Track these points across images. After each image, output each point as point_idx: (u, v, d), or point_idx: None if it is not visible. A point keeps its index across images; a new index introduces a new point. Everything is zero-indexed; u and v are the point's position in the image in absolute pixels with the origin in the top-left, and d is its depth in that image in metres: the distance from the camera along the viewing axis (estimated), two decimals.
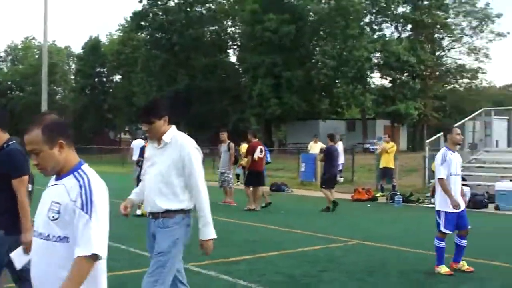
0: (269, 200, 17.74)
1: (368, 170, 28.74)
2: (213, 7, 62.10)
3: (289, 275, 8.37)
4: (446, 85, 60.37)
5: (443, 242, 8.62)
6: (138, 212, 13.71)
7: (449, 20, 53.93)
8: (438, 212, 8.72)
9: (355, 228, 13.63)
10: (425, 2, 52.30)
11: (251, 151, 17.02)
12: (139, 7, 60.69)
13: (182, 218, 5.09)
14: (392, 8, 53.20)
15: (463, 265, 8.58)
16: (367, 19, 53.08)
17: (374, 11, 53.12)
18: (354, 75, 47.52)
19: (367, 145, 46.74)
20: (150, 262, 5.13)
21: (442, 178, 8.59)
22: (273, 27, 49.07)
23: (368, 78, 51.60)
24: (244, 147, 19.00)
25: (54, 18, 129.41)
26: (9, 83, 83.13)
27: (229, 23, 66.06)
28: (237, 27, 65.33)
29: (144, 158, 5.54)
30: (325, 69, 47.98)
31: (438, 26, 53.37)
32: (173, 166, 5.04)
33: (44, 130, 3.16)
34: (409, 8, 53.09)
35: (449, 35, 55.93)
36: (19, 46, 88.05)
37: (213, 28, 64.10)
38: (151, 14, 60.57)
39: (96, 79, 76.68)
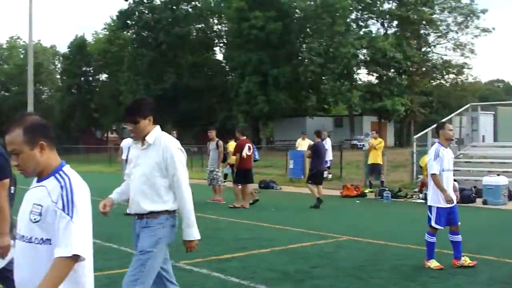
0: (256, 197, 17.78)
1: (356, 166, 28.85)
2: (199, 5, 61.98)
3: (281, 271, 8.42)
4: (432, 81, 60.61)
5: (434, 237, 8.70)
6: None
7: (434, 16, 54.13)
8: (430, 207, 8.80)
9: (345, 224, 13.70)
10: None
11: (239, 149, 17.03)
12: (125, 5, 60.62)
13: (166, 219, 5.08)
14: (378, 5, 53.42)
15: (465, 260, 8.63)
16: (353, 16, 53.22)
17: (360, 7, 53.28)
18: (341, 71, 47.61)
19: (355, 142, 46.93)
20: (132, 260, 5.11)
21: (435, 174, 8.68)
22: (260, 25, 49.10)
23: (354, 75, 51.73)
24: (231, 145, 19.00)
25: (39, 17, 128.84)
26: None
27: (215, 21, 66.02)
28: (223, 25, 65.31)
29: (128, 158, 5.49)
30: (312, 66, 48.03)
31: (424, 22, 53.55)
32: (156, 168, 5.03)
33: (26, 131, 3.14)
34: (394, 4, 53.24)
35: (434, 31, 56.16)
36: (4, 46, 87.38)
37: (200, 26, 64.09)
38: (137, 13, 60.40)
39: (82, 78, 76.35)
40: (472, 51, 56.89)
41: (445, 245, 9.14)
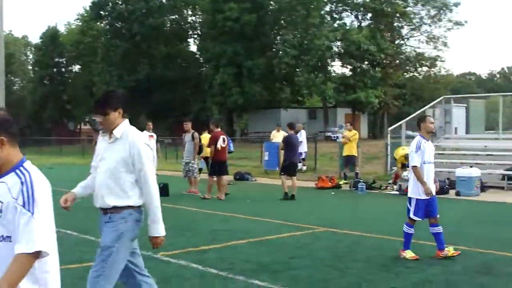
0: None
1: (330, 158, 29.01)
2: None
3: (258, 262, 8.46)
4: (406, 73, 61.13)
5: (412, 229, 8.82)
6: None
7: (408, 9, 54.55)
8: (410, 199, 8.91)
9: (321, 216, 13.78)
10: None
11: (213, 141, 17.02)
12: None
13: (129, 214, 4.99)
14: None
15: (449, 251, 8.75)
16: (327, 8, 53.41)
17: (334, 0, 53.44)
18: (315, 63, 47.79)
19: (329, 133, 47.13)
20: (96, 256, 5.06)
21: (415, 166, 8.80)
22: (234, 16, 49.02)
23: (329, 67, 51.98)
24: (204, 137, 18.97)
25: (10, 7, 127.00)
26: None
27: (190, 12, 65.79)
28: (198, 16, 65.13)
29: (95, 151, 5.39)
30: (286, 58, 48.12)
31: (397, 15, 53.94)
32: (122, 163, 4.95)
33: None
34: None
35: (408, 24, 56.59)
36: None
37: (174, 17, 63.85)
38: (110, 3, 59.97)
39: (55, 70, 75.69)
40: (445, 44, 57.56)
41: (421, 236, 9.26)
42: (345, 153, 22.20)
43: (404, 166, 19.30)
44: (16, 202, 2.98)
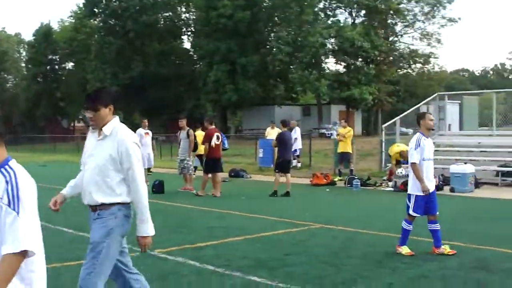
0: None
1: (324, 155, 29.06)
2: None
3: (255, 259, 8.49)
4: (400, 70, 61.29)
5: (411, 225, 8.87)
6: None
7: (402, 5, 54.70)
8: (409, 195, 8.95)
9: (317, 212, 13.81)
10: None
11: (208, 139, 17.03)
12: None
13: (118, 209, 4.94)
14: None
15: (445, 249, 8.80)
16: (321, 5, 53.50)
17: None
18: (309, 60, 47.85)
19: (323, 130, 47.23)
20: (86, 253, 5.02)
21: (415, 163, 8.83)
22: (228, 13, 49.03)
23: (323, 64, 52.10)
24: (198, 134, 18.98)
25: (3, 4, 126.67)
26: None
27: (183, 9, 65.75)
28: (191, 13, 65.07)
29: (84, 147, 5.32)
30: (280, 55, 48.18)
31: (391, 12, 54.07)
32: (110, 161, 4.89)
33: None
34: None
35: (402, 21, 56.74)
36: None
37: (167, 14, 63.80)
38: (104, 1, 60.00)
39: (48, 67, 75.60)
40: (438, 41, 57.77)
41: (417, 232, 9.30)
42: (339, 150, 22.23)
43: (399, 163, 19.40)
44: (1, 201, 2.96)
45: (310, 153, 27.44)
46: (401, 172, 18.84)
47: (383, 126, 24.95)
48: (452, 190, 18.13)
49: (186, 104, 59.47)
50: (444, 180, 19.06)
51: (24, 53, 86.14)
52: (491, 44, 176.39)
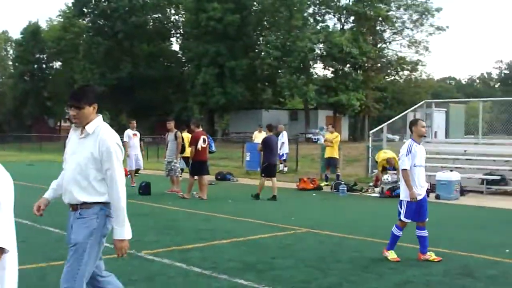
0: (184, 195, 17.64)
1: (311, 159, 29.13)
2: None
3: (242, 262, 8.50)
4: (387, 77, 61.51)
5: (401, 232, 8.93)
6: None
7: (390, 13, 54.91)
8: (401, 201, 9.02)
9: (303, 217, 13.84)
10: None
11: (194, 141, 17.03)
12: None
13: (100, 209, 4.88)
14: (336, 0, 53.86)
15: (430, 255, 8.87)
16: (310, 10, 53.62)
17: (317, 2, 53.70)
18: (297, 65, 47.94)
19: (310, 135, 47.32)
20: (68, 254, 4.91)
21: (405, 169, 8.89)
22: (218, 16, 49.07)
23: (311, 69, 52.22)
24: (184, 136, 18.97)
25: None
26: None
27: (173, 11, 65.74)
28: (181, 15, 65.05)
29: (66, 145, 5.23)
30: (268, 59, 48.29)
31: (380, 19, 54.25)
32: (92, 160, 4.83)
33: None
34: (352, 0, 53.78)
35: (390, 28, 56.96)
36: None
37: (157, 16, 63.76)
38: (93, 1, 59.77)
39: (35, 66, 75.27)
40: (426, 49, 58.05)
41: (404, 239, 9.36)
42: (326, 155, 22.29)
43: (385, 169, 19.48)
44: None
45: (297, 157, 27.51)
46: (387, 179, 18.93)
47: (370, 132, 25.05)
48: (437, 197, 18.24)
49: (174, 106, 59.39)
50: (429, 187, 19.15)
51: (11, 51, 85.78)
52: (477, 53, 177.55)
